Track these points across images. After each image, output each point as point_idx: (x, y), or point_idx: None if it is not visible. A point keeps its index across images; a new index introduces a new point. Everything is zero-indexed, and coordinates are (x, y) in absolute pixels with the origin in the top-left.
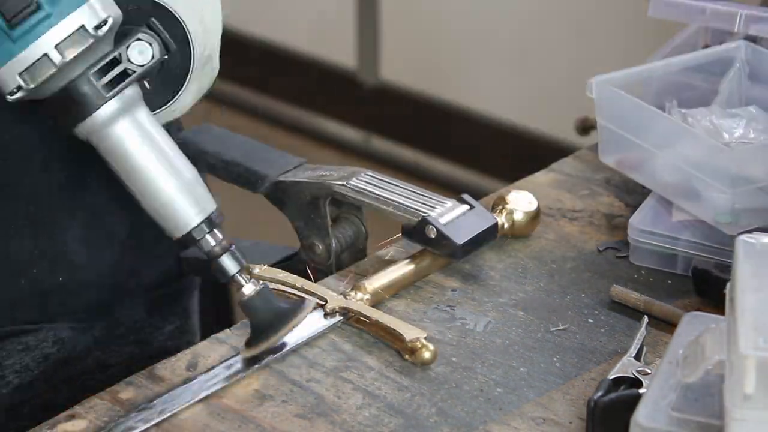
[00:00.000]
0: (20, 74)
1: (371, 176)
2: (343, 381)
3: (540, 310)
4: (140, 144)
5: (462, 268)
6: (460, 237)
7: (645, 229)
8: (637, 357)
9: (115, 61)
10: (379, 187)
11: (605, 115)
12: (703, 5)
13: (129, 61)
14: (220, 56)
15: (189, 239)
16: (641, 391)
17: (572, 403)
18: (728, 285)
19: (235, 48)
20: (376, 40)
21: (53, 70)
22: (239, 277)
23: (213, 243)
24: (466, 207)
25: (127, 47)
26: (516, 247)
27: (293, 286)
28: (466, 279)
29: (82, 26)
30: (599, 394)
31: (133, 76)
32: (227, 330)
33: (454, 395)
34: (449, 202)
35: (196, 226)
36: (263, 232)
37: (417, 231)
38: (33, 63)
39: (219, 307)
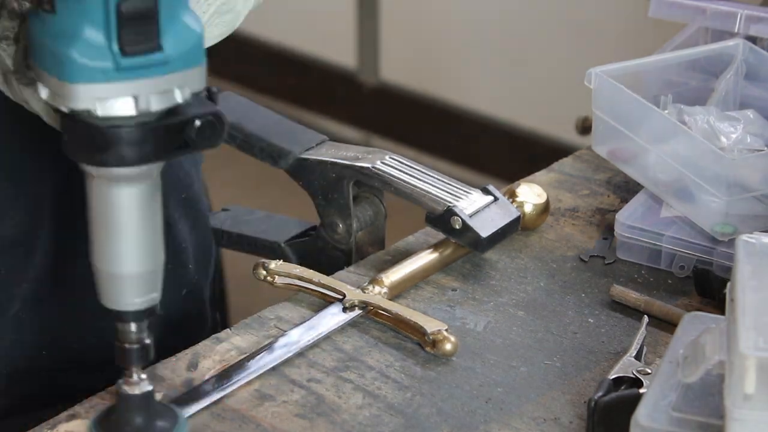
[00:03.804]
0: (98, 100)
1: (396, 160)
2: (343, 381)
3: (540, 310)
4: (140, 213)
5: (462, 268)
6: (485, 229)
7: (630, 224)
8: (638, 357)
9: (179, 128)
10: (405, 172)
11: (601, 106)
12: (703, 5)
13: (191, 133)
14: (221, 56)
15: (119, 315)
16: (641, 390)
17: (572, 403)
18: (729, 285)
19: (235, 48)
20: (376, 40)
21: (132, 113)
22: (134, 372)
23: (134, 330)
24: (490, 198)
25: (195, 122)
26: (516, 247)
27: (310, 281)
28: (466, 279)
29: (185, 85)
30: (599, 393)
31: (189, 149)
32: (227, 330)
33: (454, 395)
34: (474, 193)
35: (134, 311)
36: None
37: (442, 220)
38: (118, 97)
39: (216, 307)
